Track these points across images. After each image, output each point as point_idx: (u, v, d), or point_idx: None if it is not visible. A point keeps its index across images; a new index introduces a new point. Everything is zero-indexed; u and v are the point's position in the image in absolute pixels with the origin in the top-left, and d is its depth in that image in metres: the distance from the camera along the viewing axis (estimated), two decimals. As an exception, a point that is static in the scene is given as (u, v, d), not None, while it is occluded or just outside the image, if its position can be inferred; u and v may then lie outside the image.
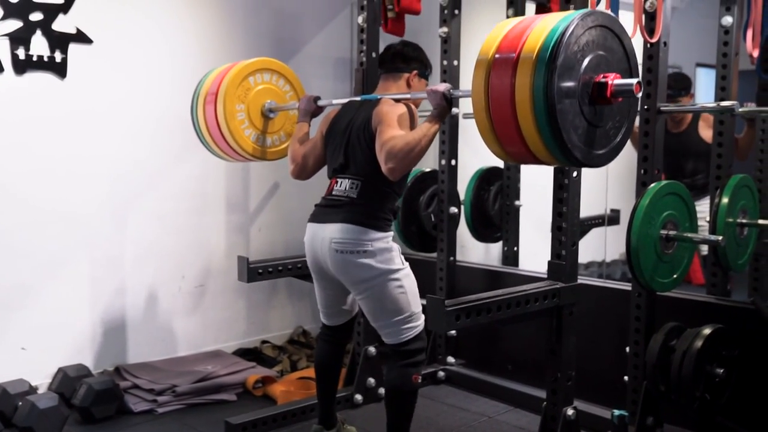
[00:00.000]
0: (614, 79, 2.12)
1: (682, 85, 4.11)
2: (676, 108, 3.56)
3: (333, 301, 2.90)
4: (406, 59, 2.86)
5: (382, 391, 3.57)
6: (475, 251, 4.44)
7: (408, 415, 2.72)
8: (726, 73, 3.22)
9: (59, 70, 3.51)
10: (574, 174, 2.74)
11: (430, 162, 4.45)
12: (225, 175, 4.18)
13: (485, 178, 4.28)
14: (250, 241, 4.31)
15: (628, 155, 3.50)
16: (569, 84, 2.06)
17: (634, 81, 2.11)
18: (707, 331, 2.84)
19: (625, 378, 3.08)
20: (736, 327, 2.95)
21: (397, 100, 2.74)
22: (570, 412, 2.72)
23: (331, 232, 2.64)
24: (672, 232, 2.84)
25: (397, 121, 2.60)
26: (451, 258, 3.74)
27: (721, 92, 3.23)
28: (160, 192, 3.92)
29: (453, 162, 3.60)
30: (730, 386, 2.92)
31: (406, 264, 2.72)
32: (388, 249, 2.64)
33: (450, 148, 3.61)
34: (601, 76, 2.13)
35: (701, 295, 3.36)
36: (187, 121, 3.77)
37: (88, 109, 3.63)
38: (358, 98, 2.92)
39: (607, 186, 4.51)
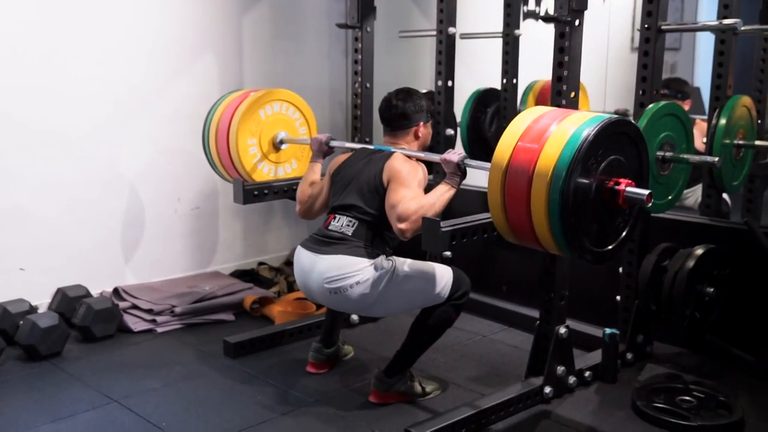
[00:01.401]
0: (627, 187, 2.15)
1: (680, 88, 4.11)
2: (676, 27, 3.49)
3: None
4: (409, 117, 2.83)
5: (377, 311, 3.63)
6: (471, 173, 4.43)
7: (428, 345, 2.79)
8: (729, -10, 3.15)
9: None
10: (572, 95, 2.70)
11: (426, 83, 4.40)
12: (221, 96, 4.12)
13: (482, 99, 4.23)
14: (245, 163, 4.29)
15: (627, 74, 3.47)
16: (583, 192, 2.11)
17: (645, 192, 2.13)
18: (699, 251, 2.87)
19: (617, 297, 3.14)
20: (728, 247, 2.98)
21: (410, 157, 2.75)
22: (562, 330, 2.77)
23: (322, 269, 2.64)
24: (668, 154, 2.83)
25: (411, 181, 2.62)
26: (447, 180, 3.73)
27: (724, 10, 3.17)
28: (154, 114, 3.87)
29: (449, 83, 3.54)
30: (720, 305, 2.97)
31: (394, 258, 2.71)
32: (374, 268, 2.63)
33: (446, 68, 3.54)
34: (614, 182, 2.16)
35: (695, 216, 3.38)
36: (181, 44, 3.72)
37: (78, 31, 3.54)
38: (371, 147, 2.95)
39: (605, 105, 4.48)
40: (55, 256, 3.61)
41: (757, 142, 3.18)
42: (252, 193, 3.27)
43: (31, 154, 3.48)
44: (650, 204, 2.16)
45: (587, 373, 2.90)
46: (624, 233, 2.30)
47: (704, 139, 3.12)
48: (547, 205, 2.09)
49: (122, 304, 3.62)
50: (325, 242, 2.71)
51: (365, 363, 3.15)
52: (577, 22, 2.58)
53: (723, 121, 2.98)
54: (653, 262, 2.92)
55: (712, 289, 2.90)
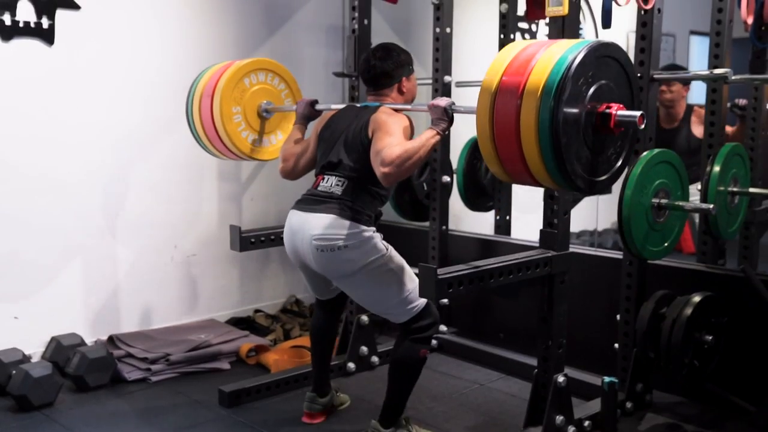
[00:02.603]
0: (618, 110, 2.13)
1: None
2: (669, 75, 3.54)
3: (319, 284, 2.92)
4: (390, 74, 2.79)
5: (374, 359, 3.60)
6: (467, 220, 4.44)
7: (409, 387, 2.75)
8: (720, 40, 3.20)
9: (47, 36, 3.46)
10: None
11: (423, 130, 4.43)
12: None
13: (477, 147, 4.25)
14: (242, 210, 4.30)
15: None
16: (574, 114, 2.08)
17: (637, 113, 2.12)
18: (697, 298, 2.86)
19: (616, 345, 3.11)
20: (725, 294, 2.98)
21: (396, 110, 2.72)
22: (561, 379, 2.75)
23: (311, 227, 2.63)
24: (664, 201, 2.84)
25: (396, 130, 2.58)
26: (444, 227, 3.75)
27: (715, 60, 3.21)
28: (151, 161, 3.89)
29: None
30: (718, 353, 2.95)
31: (390, 247, 2.71)
32: (368, 239, 2.62)
33: (442, 116, 3.58)
34: (605, 106, 2.15)
35: (692, 263, 3.38)
36: (178, 90, 3.73)
37: (76, 77, 3.59)
38: (357, 104, 2.90)
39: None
40: (49, 304, 3.58)
41: (752, 189, 3.20)
42: (249, 240, 3.27)
43: (26, 199, 3.48)
44: (642, 125, 2.12)
45: (586, 423, 2.86)
46: (618, 164, 2.26)
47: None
48: (537, 125, 2.04)
49: (117, 353, 3.58)
50: (315, 201, 2.68)
51: (362, 413, 3.10)
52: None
53: (717, 169, 3.00)
54: (651, 309, 2.91)
55: (710, 337, 2.88)
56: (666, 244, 2.94)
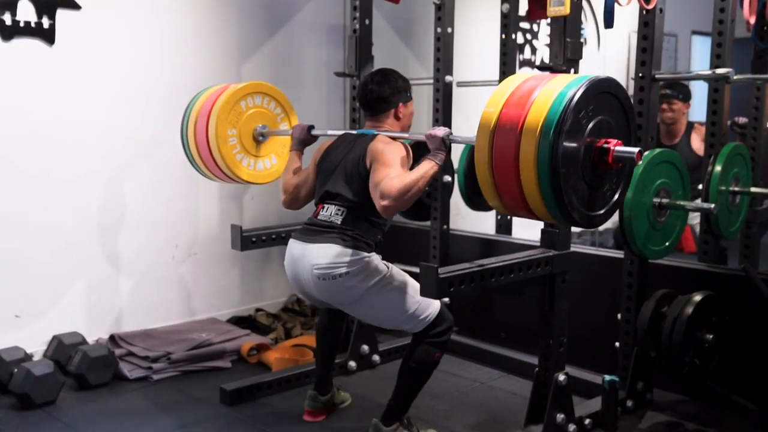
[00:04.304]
0: (616, 146, 2.14)
1: (682, 90, 4.16)
2: (670, 76, 3.55)
3: (324, 304, 2.91)
4: (387, 100, 2.81)
5: (375, 358, 3.60)
6: (468, 220, 4.44)
7: (418, 389, 2.76)
8: (722, 40, 3.21)
9: (47, 36, 3.47)
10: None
11: (424, 130, 4.44)
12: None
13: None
14: (243, 209, 4.31)
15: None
16: (573, 148, 2.09)
17: (635, 150, 2.13)
18: (698, 297, 2.87)
19: (616, 344, 3.12)
20: (726, 294, 2.98)
21: (393, 138, 2.73)
22: (561, 377, 2.75)
23: (312, 257, 2.63)
24: (665, 200, 2.85)
25: (393, 160, 2.59)
26: (445, 226, 3.75)
27: (717, 60, 3.22)
28: (152, 160, 3.90)
29: (447, 130, 3.58)
30: (719, 352, 2.95)
31: (390, 265, 2.71)
32: (368, 263, 2.62)
33: (443, 116, 3.59)
34: (603, 141, 2.16)
35: (692, 262, 3.38)
36: (179, 89, 3.75)
37: (77, 77, 3.59)
38: (353, 132, 2.91)
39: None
40: (50, 303, 3.59)
41: (753, 189, 3.20)
42: (250, 239, 3.27)
43: (27, 198, 3.49)
44: (640, 162, 2.14)
45: (587, 421, 2.87)
46: (614, 199, 2.28)
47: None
48: (537, 158, 2.05)
49: (118, 351, 3.59)
50: (315, 231, 2.69)
51: (362, 411, 3.11)
52: (572, 71, 2.61)
53: (718, 168, 3.00)
54: (652, 308, 2.91)
55: (711, 336, 2.88)
56: (667, 244, 2.95)
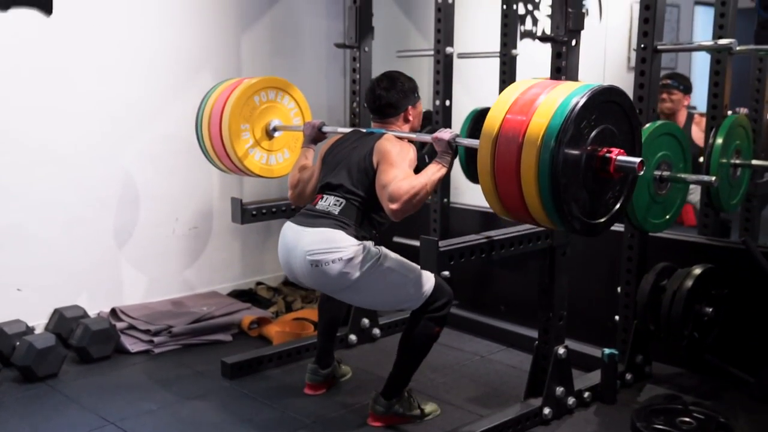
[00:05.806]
0: (618, 155, 2.12)
1: (683, 81, 4.14)
2: (672, 47, 3.51)
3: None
4: (396, 105, 2.81)
5: (376, 331, 3.62)
6: (469, 193, 4.43)
7: (417, 363, 2.76)
8: (725, 10, 3.17)
9: (44, 5, 3.42)
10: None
11: (425, 103, 4.41)
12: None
13: (479, 119, 4.23)
14: (243, 183, 4.29)
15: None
16: (574, 156, 2.08)
17: (637, 160, 2.11)
18: (697, 271, 2.87)
19: (616, 317, 3.13)
20: (726, 267, 2.98)
21: (401, 138, 2.72)
22: (561, 350, 2.76)
23: (306, 243, 2.61)
24: (666, 173, 2.84)
25: (401, 161, 2.59)
26: (445, 200, 3.74)
27: (720, 30, 3.18)
28: (152, 133, 3.88)
29: (447, 102, 3.56)
30: (718, 325, 2.96)
31: (382, 247, 2.70)
32: (361, 248, 2.60)
33: (444, 88, 3.56)
34: (605, 150, 2.14)
35: (692, 235, 3.38)
36: (179, 60, 3.72)
37: (75, 47, 3.56)
38: (363, 129, 2.91)
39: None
40: (51, 276, 3.60)
41: (754, 162, 3.18)
42: (250, 212, 3.27)
43: (27, 172, 3.48)
44: (642, 172, 2.13)
45: (586, 394, 2.89)
46: (616, 207, 2.27)
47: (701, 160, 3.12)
48: (537, 165, 2.05)
49: (119, 325, 3.60)
50: (311, 216, 2.69)
51: (363, 384, 3.13)
52: (573, 42, 2.59)
53: (719, 141, 2.98)
54: (651, 281, 2.92)
55: (710, 309, 2.89)
56: (667, 217, 2.94)
